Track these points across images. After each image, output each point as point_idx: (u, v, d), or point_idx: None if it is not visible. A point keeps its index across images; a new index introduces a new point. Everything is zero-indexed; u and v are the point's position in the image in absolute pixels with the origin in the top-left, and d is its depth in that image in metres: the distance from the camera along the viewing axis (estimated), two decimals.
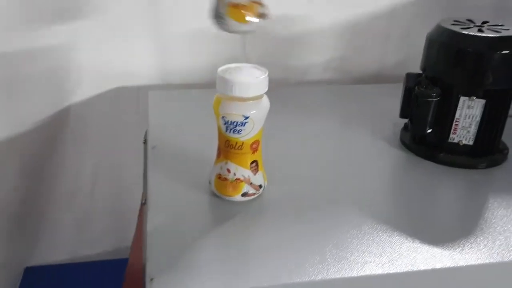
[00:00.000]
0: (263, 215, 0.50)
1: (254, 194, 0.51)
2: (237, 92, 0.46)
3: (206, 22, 0.80)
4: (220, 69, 0.47)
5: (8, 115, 0.77)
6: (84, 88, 0.80)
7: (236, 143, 0.48)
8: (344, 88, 0.85)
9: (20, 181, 0.83)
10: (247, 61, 0.84)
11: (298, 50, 0.85)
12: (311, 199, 0.53)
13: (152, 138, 0.64)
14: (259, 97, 0.48)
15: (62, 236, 0.91)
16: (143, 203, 0.60)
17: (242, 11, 0.47)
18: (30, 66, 0.75)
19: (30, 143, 0.80)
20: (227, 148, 0.49)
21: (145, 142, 0.75)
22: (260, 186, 0.51)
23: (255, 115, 0.47)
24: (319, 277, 0.42)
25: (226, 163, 0.50)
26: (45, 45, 0.74)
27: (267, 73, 0.48)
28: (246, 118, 0.47)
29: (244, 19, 0.47)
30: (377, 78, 0.90)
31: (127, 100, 0.82)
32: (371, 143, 0.65)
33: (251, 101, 0.47)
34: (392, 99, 0.64)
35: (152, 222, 0.48)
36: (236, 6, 0.47)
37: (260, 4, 0.48)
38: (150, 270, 0.41)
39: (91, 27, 0.75)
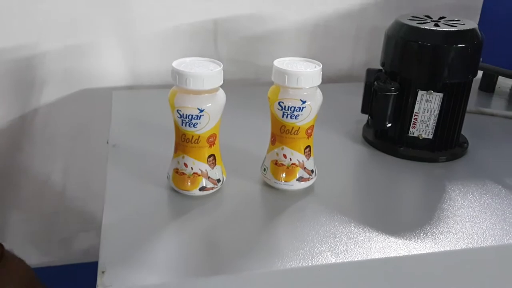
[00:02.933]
0: (221, 209, 0.50)
1: (212, 188, 0.51)
2: (191, 85, 0.46)
3: (175, 22, 0.82)
4: (175, 62, 0.47)
5: None
6: (52, 89, 0.80)
7: (192, 136, 0.48)
8: None
9: None
10: (219, 60, 0.84)
11: (270, 49, 0.85)
12: (271, 193, 0.52)
13: (113, 137, 0.63)
14: (214, 90, 0.48)
15: (30, 238, 0.90)
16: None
17: (281, 171, 0.51)
18: None
19: None
20: (183, 142, 0.49)
21: (108, 142, 0.75)
22: (219, 181, 0.51)
23: (210, 108, 0.47)
24: (275, 267, 0.42)
25: (183, 157, 0.49)
26: (11, 46, 0.74)
27: (221, 66, 0.48)
28: (201, 111, 0.47)
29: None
30: (349, 77, 0.91)
31: (96, 102, 0.82)
32: (334, 140, 0.65)
33: (206, 94, 0.47)
34: (358, 97, 0.65)
35: (108, 218, 0.47)
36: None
37: (303, 168, 0.51)
38: (102, 263, 0.40)
39: (57, 27, 0.75)
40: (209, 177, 0.50)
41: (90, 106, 0.82)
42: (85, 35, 0.77)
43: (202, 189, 0.50)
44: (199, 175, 0.50)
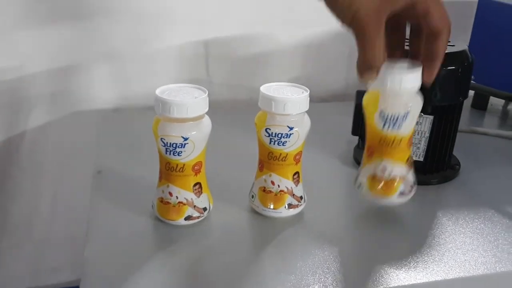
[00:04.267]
0: (208, 239, 0.49)
1: (198, 217, 0.49)
2: (175, 113, 0.45)
3: (165, 44, 0.81)
4: (158, 89, 0.47)
5: None
6: (39, 113, 0.79)
7: (177, 165, 0.47)
8: None
9: None
10: (210, 83, 0.83)
11: (262, 71, 0.85)
12: (259, 220, 0.51)
13: (99, 162, 0.62)
14: (199, 117, 0.47)
15: (19, 266, 0.88)
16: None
17: (269, 198, 0.50)
18: None
19: None
20: (167, 171, 0.48)
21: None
22: (205, 209, 0.50)
23: (195, 136, 0.46)
24: None
25: (168, 186, 0.48)
26: None
27: (207, 93, 0.47)
28: (186, 139, 0.46)
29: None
30: (343, 97, 0.90)
31: (84, 125, 0.80)
32: (325, 161, 0.64)
33: (190, 122, 0.46)
34: (350, 118, 0.64)
35: (90, 250, 0.46)
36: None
37: (292, 195, 0.50)
38: None
39: (44, 50, 0.74)
40: (195, 206, 0.49)
41: (79, 129, 0.81)
42: (72, 58, 0.77)
43: (188, 218, 0.49)
44: (184, 204, 0.48)
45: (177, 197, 0.48)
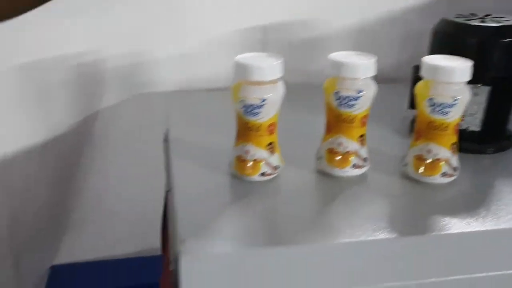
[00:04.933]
0: (280, 193, 0.53)
1: (271, 174, 0.54)
2: (255, 76, 0.50)
3: (225, 30, 0.86)
4: (238, 56, 0.51)
5: (41, 120, 0.82)
6: (111, 94, 0.85)
7: (254, 125, 0.52)
8: None
9: (52, 183, 0.87)
10: None
11: (317, 55, 0.89)
12: (326, 180, 0.55)
13: (173, 133, 0.67)
14: (275, 81, 0.51)
15: (87, 237, 0.95)
16: (168, 191, 0.64)
17: (336, 158, 0.54)
18: (60, 73, 0.80)
19: (61, 146, 0.84)
20: (245, 131, 0.53)
21: (165, 140, 0.80)
22: (277, 167, 0.54)
23: (271, 98, 0.51)
24: (332, 241, 0.45)
25: (245, 145, 0.53)
26: (75, 52, 0.79)
27: (282, 59, 0.51)
28: (263, 100, 0.50)
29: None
30: (394, 80, 0.93)
31: (151, 106, 0.87)
32: (382, 135, 0.68)
33: (267, 85, 0.51)
34: (402, 97, 0.67)
35: (179, 198, 0.51)
36: (333, 152, 0.54)
37: (358, 155, 0.54)
38: (181, 233, 0.44)
39: (119, 35, 0.81)
40: (268, 164, 0.53)
41: (146, 111, 0.87)
42: (143, 43, 0.83)
43: (262, 174, 0.53)
44: (259, 162, 0.53)
45: (253, 155, 0.53)
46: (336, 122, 0.54)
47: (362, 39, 0.90)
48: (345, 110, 0.53)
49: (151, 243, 0.97)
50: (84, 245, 0.96)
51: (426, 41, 0.66)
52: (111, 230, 0.95)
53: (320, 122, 0.56)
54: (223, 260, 0.43)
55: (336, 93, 0.52)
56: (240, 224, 0.48)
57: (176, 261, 0.47)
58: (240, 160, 0.54)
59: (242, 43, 0.86)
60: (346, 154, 0.54)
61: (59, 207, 0.91)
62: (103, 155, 0.89)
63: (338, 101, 0.52)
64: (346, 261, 0.45)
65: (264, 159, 0.53)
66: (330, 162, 0.55)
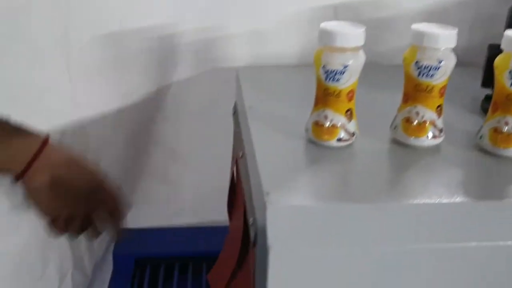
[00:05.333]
0: (356, 159, 0.55)
1: (347, 140, 0.56)
2: (338, 42, 0.51)
3: (297, 8, 0.88)
4: (323, 23, 0.53)
5: (117, 88, 0.86)
6: (184, 67, 0.89)
7: (334, 91, 0.54)
8: None
9: (123, 149, 0.92)
10: None
11: (385, 36, 0.89)
12: (401, 149, 0.57)
13: (247, 103, 0.69)
14: (357, 48, 0.53)
15: (153, 205, 0.99)
16: (241, 157, 0.67)
17: (412, 128, 0.56)
18: (139, 44, 0.84)
19: (134, 115, 0.89)
20: (325, 97, 0.54)
21: (234, 113, 0.82)
22: (353, 134, 0.56)
23: (353, 65, 0.52)
24: (408, 202, 0.46)
25: (324, 110, 0.55)
26: (153, 24, 0.83)
27: (364, 28, 0.53)
28: (345, 67, 0.52)
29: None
30: (463, 62, 0.93)
31: (222, 81, 0.89)
32: (454, 112, 0.68)
33: (349, 52, 0.52)
34: (472, 80, 0.67)
35: (260, 159, 0.53)
36: (318, 125, 0.55)
37: (434, 125, 0.55)
38: (265, 187, 0.46)
39: (195, 10, 0.84)
40: (345, 130, 0.55)
41: (217, 85, 0.90)
42: (219, 18, 0.86)
43: (339, 140, 0.55)
44: (337, 127, 0.55)
45: (331, 120, 0.55)
46: (414, 92, 0.55)
47: (433, 20, 0.89)
48: (424, 80, 0.54)
49: (214, 215, 1.00)
50: (150, 212, 1.00)
51: (497, 25, 0.66)
52: (176, 200, 1.00)
53: (389, 100, 0.57)
54: (307, 213, 0.45)
55: (416, 62, 0.53)
56: (318, 182, 0.50)
57: (257, 215, 0.50)
58: (318, 125, 0.55)
59: (313, 22, 0.88)
60: (423, 124, 0.55)
61: (128, 174, 0.95)
62: (172, 126, 0.93)
63: (418, 70, 0.53)
64: (423, 221, 0.47)
65: (342, 124, 0.55)
66: (406, 131, 0.56)
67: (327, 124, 0.55)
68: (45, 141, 0.64)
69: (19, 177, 0.63)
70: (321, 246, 0.44)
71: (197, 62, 0.89)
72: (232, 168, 0.83)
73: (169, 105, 0.91)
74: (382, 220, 0.45)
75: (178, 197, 0.99)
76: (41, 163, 0.63)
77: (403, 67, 0.55)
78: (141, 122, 0.91)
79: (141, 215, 0.99)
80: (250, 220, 0.52)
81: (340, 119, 0.55)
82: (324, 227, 0.44)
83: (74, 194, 0.66)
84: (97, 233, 0.72)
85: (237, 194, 0.81)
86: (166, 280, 0.89)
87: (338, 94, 0.54)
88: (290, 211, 0.44)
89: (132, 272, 0.91)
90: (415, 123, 0.55)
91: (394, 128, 0.57)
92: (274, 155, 0.55)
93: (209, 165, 0.96)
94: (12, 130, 0.63)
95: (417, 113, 0.55)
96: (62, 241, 0.91)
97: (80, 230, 0.70)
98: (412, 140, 0.56)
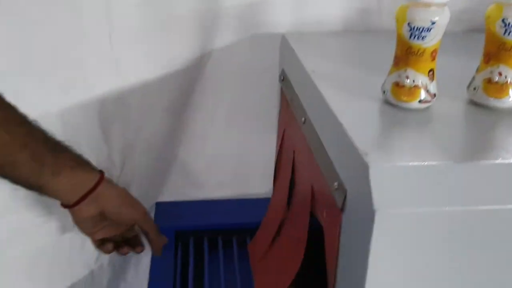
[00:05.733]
0: (434, 123, 0.53)
1: (429, 101, 0.54)
2: None
3: None
4: None
5: (159, 54, 0.83)
6: (225, 33, 0.86)
7: (419, 50, 0.52)
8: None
9: (165, 118, 0.89)
10: (379, 12, 0.86)
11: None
12: (480, 110, 0.55)
13: (307, 66, 0.67)
14: (443, 4, 0.51)
15: (190, 177, 0.97)
16: (303, 123, 0.65)
17: (494, 89, 0.54)
18: (182, 8, 0.81)
19: (176, 81, 0.86)
20: (407, 56, 0.52)
21: (283, 80, 0.80)
22: (434, 95, 0.54)
23: (439, 22, 0.50)
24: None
25: (405, 70, 0.53)
26: None
27: None
28: (433, 23, 0.50)
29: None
30: None
31: (262, 47, 0.87)
32: None
33: (436, 8, 0.50)
34: None
35: (344, 119, 0.51)
36: (399, 86, 0.53)
37: (426, 90, 0.53)
38: (362, 148, 0.45)
39: None
40: (427, 91, 0.53)
41: (259, 51, 0.87)
42: None
43: (421, 101, 0.53)
44: (419, 88, 0.53)
45: (413, 81, 0.53)
46: (497, 51, 0.53)
47: None
48: (510, 38, 0.52)
49: (252, 187, 0.99)
50: (187, 185, 0.98)
51: None
52: (214, 172, 0.98)
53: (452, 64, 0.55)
54: (412, 172, 0.43)
55: (503, 20, 0.51)
56: (410, 142, 0.48)
57: (346, 178, 0.48)
58: (399, 86, 0.54)
59: None
60: (505, 85, 0.53)
61: (167, 145, 0.93)
62: (213, 94, 0.90)
63: (504, 28, 0.51)
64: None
65: (424, 85, 0.53)
66: (488, 93, 0.54)
67: (409, 84, 0.53)
68: (100, 178, 0.69)
69: (68, 206, 0.68)
70: (427, 206, 0.42)
71: (240, 27, 0.86)
72: (280, 136, 0.81)
73: (210, 73, 0.89)
74: (486, 179, 0.44)
75: (218, 168, 0.97)
76: (92, 199, 0.67)
77: (485, 25, 0.53)
78: (182, 90, 0.88)
79: (180, 187, 0.98)
80: (334, 185, 0.50)
81: (422, 80, 0.53)
82: (430, 186, 0.43)
83: (116, 228, 0.74)
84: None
85: (282, 164, 0.80)
86: (210, 252, 0.87)
87: (422, 53, 0.52)
88: (394, 171, 0.43)
89: (173, 245, 0.89)
90: (497, 84, 0.54)
91: (474, 89, 0.56)
92: (357, 117, 0.53)
93: (251, 135, 0.94)
94: (74, 162, 0.67)
95: (500, 74, 0.53)
96: None
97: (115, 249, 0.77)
98: (492, 101, 0.54)
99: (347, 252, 0.49)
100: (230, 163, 0.97)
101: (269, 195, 1.00)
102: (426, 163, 0.44)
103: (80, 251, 0.89)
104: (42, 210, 0.81)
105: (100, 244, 0.75)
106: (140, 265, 1.03)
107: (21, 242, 0.81)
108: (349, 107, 0.55)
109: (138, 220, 0.74)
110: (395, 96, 0.54)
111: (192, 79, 0.88)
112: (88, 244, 0.89)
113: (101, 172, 0.70)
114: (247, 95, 0.91)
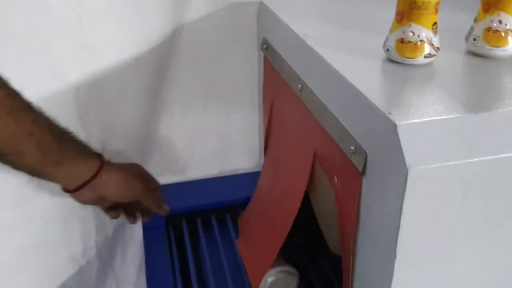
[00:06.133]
0: (439, 78, 0.53)
1: (434, 55, 0.53)
2: None
3: None
4: None
5: (132, 34, 0.79)
6: (198, 4, 0.82)
7: (423, 3, 0.50)
8: None
9: (140, 100, 0.85)
10: None
11: None
12: (482, 61, 0.55)
13: (298, 31, 0.65)
14: None
15: (172, 156, 0.94)
16: (300, 90, 0.63)
17: (496, 37, 0.53)
18: None
19: (150, 60, 0.82)
20: (411, 10, 0.51)
21: (266, 48, 0.78)
22: (438, 49, 0.54)
23: None
24: None
25: (410, 25, 0.52)
26: None
27: None
28: None
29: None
30: None
31: (238, 17, 0.84)
32: None
33: None
34: None
35: (355, 80, 0.50)
36: (404, 42, 0.52)
37: (431, 44, 0.52)
38: (382, 107, 0.44)
39: None
40: (432, 45, 0.53)
41: (235, 22, 0.84)
42: None
43: (427, 56, 0.53)
44: (424, 43, 0.52)
45: (418, 35, 0.52)
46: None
47: None
48: None
49: (236, 162, 0.97)
50: (170, 164, 0.95)
51: None
52: (196, 149, 0.95)
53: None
54: (434, 126, 0.42)
55: None
56: (427, 98, 0.47)
57: (364, 141, 0.47)
58: (404, 42, 0.52)
59: None
60: (506, 32, 0.53)
61: (147, 125, 0.89)
62: (190, 70, 0.87)
63: None
64: None
65: (429, 39, 0.52)
66: (489, 42, 0.54)
67: (415, 40, 0.52)
68: (100, 166, 0.68)
69: (69, 191, 0.69)
70: (456, 159, 0.42)
71: None
72: (267, 107, 0.79)
73: (185, 47, 0.85)
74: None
75: (200, 145, 0.94)
76: (91, 186, 0.68)
77: None
78: (158, 67, 0.84)
79: (163, 168, 0.94)
80: (351, 149, 0.49)
81: (427, 34, 0.52)
82: (457, 139, 0.42)
83: (116, 206, 0.76)
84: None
85: (273, 135, 0.78)
86: (206, 232, 0.85)
87: (426, 6, 0.51)
88: (421, 127, 0.42)
89: (164, 229, 0.87)
90: (497, 32, 0.54)
91: (474, 40, 0.55)
92: (365, 77, 0.52)
93: (231, 109, 0.91)
94: (76, 151, 0.66)
95: (500, 22, 0.53)
96: (84, 208, 0.86)
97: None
98: (493, 51, 0.54)
99: (370, 215, 0.48)
100: (211, 139, 0.94)
101: (253, 169, 0.99)
102: (451, 116, 0.43)
103: (66, 245, 0.85)
104: (27, 205, 0.76)
105: (108, 209, 0.76)
106: (127, 252, 1.00)
107: (5, 240, 0.76)
108: (354, 68, 0.54)
109: (140, 200, 0.74)
110: (400, 52, 0.53)
111: (167, 55, 0.84)
112: (74, 237, 0.85)
113: (101, 159, 0.69)
114: (225, 68, 0.89)
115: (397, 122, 0.41)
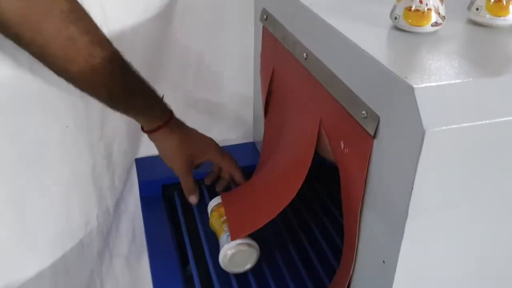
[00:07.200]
0: (449, 44, 0.54)
1: (440, 24, 0.55)
2: None
3: None
4: None
5: (126, 4, 0.78)
6: None
7: None
8: None
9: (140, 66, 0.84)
10: None
11: None
12: (484, 31, 0.57)
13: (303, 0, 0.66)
14: None
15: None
16: (305, 58, 0.64)
17: (499, 7, 0.55)
18: None
19: (146, 33, 0.81)
20: None
21: (266, 19, 0.78)
22: (444, 18, 0.55)
23: None
24: None
25: None
26: None
27: None
28: None
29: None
30: None
31: None
32: None
33: None
34: None
35: (368, 47, 0.50)
36: (412, 10, 0.53)
37: (437, 13, 0.53)
38: (398, 72, 0.45)
39: None
40: (439, 13, 0.54)
41: None
42: None
43: (433, 24, 0.54)
44: (431, 11, 0.54)
45: (426, 4, 0.53)
46: None
47: None
48: None
49: (226, 134, 0.97)
50: None
51: None
52: (188, 121, 0.95)
53: None
54: (449, 89, 0.44)
55: None
56: (441, 63, 0.48)
57: (376, 106, 0.49)
58: (412, 11, 0.54)
59: None
60: (509, 1, 0.55)
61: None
62: (185, 41, 0.87)
63: None
64: None
65: (436, 7, 0.54)
66: (493, 12, 0.56)
67: (423, 8, 0.53)
68: (158, 127, 0.77)
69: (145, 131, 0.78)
70: (471, 121, 0.43)
71: None
72: (267, 77, 0.80)
73: (178, 22, 0.84)
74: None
75: (192, 115, 0.94)
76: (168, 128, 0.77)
77: None
78: (153, 41, 0.84)
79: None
80: (362, 113, 0.50)
81: (434, 2, 0.53)
82: (471, 101, 0.44)
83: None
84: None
85: (274, 103, 0.79)
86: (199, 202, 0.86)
87: None
88: (437, 90, 0.44)
89: (161, 199, 0.87)
90: (501, 2, 0.55)
91: (476, 10, 0.57)
92: (376, 44, 0.53)
93: (224, 81, 0.91)
94: (141, 109, 0.76)
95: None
96: (85, 183, 0.86)
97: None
98: (497, 20, 0.56)
99: (381, 177, 0.50)
100: (204, 111, 0.94)
101: (244, 140, 1.01)
102: (463, 81, 0.45)
103: (66, 222, 0.85)
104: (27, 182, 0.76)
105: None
106: (120, 225, 1.00)
107: (5, 215, 0.76)
108: (362, 35, 0.55)
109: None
110: (408, 21, 0.54)
111: (162, 28, 0.84)
112: (73, 215, 0.85)
113: (164, 119, 0.77)
114: (220, 40, 0.88)
115: (414, 86, 0.43)
